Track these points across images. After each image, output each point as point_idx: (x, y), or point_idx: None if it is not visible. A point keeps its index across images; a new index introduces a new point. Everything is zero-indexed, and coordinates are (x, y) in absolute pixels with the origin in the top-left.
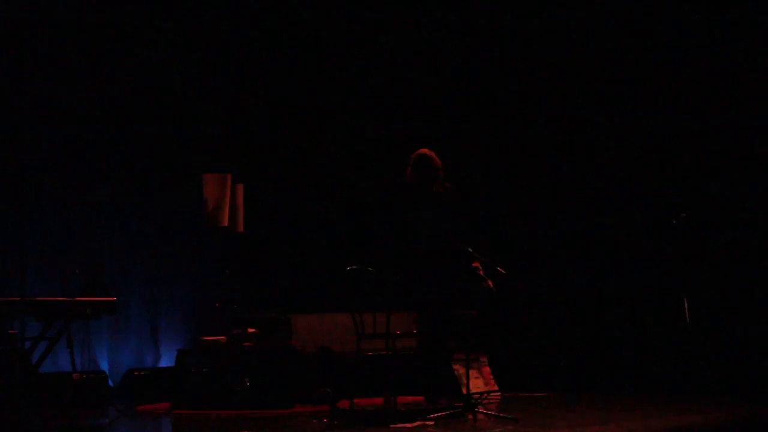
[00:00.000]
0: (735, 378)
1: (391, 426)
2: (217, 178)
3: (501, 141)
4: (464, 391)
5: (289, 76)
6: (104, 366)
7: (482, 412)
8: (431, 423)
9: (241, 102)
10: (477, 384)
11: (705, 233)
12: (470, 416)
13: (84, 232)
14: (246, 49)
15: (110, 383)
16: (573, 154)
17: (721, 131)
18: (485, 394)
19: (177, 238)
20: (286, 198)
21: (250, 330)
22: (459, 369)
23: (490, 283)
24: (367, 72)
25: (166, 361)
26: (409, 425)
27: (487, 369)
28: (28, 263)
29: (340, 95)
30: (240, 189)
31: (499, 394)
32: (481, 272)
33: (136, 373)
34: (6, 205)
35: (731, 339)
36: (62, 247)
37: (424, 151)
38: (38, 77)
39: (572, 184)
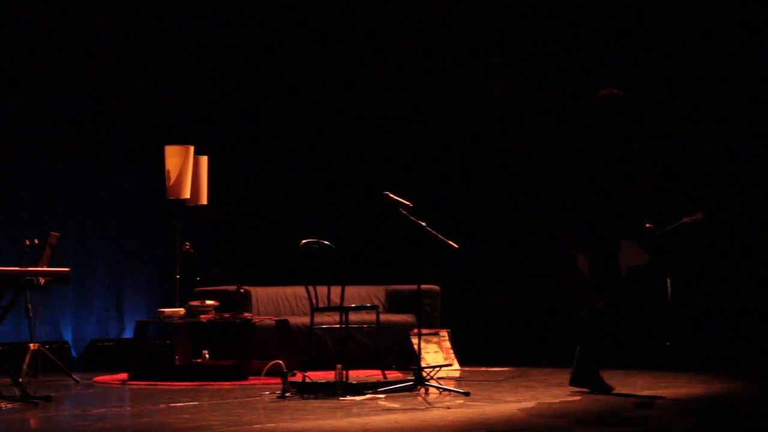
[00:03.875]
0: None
1: (340, 399)
2: (179, 150)
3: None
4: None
5: (254, 47)
6: (68, 337)
7: (433, 386)
8: (381, 396)
9: (204, 72)
10: (436, 359)
11: None
12: (422, 390)
13: (44, 203)
14: (210, 19)
15: (73, 354)
16: None
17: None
18: (438, 368)
19: (139, 210)
20: (251, 170)
21: (209, 302)
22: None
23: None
24: (335, 41)
25: (130, 332)
26: (358, 398)
27: (447, 344)
28: None
29: (306, 66)
30: (203, 161)
31: (458, 368)
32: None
33: (98, 344)
34: None
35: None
36: (21, 217)
37: (611, 90)
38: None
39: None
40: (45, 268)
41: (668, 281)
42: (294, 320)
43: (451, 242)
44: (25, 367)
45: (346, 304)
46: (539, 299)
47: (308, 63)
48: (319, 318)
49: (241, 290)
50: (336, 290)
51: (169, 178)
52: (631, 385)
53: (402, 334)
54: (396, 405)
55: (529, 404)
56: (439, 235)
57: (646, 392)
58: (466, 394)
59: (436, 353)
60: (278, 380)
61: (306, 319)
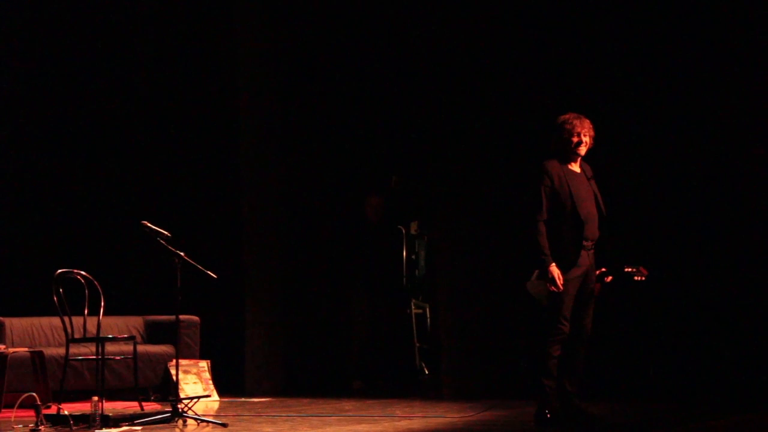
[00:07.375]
0: None
1: (96, 431)
2: None
3: None
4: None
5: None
6: None
7: (190, 417)
8: (138, 428)
9: None
10: (195, 389)
11: None
12: (180, 421)
13: None
14: None
15: None
16: None
17: None
18: (197, 399)
19: None
20: (4, 198)
21: None
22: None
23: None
24: (93, 71)
25: None
26: (115, 430)
27: (207, 375)
28: None
29: (61, 94)
30: None
31: (218, 399)
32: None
33: None
34: None
35: None
36: None
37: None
38: None
39: None
40: None
41: (427, 310)
42: (49, 351)
43: (210, 272)
44: None
45: (103, 335)
46: (302, 329)
47: (62, 90)
48: (75, 349)
49: None
50: (93, 321)
51: None
52: (390, 414)
53: (161, 365)
54: None
55: None
56: (198, 265)
57: (405, 421)
58: (224, 425)
59: (195, 384)
60: (32, 413)
61: (62, 350)
